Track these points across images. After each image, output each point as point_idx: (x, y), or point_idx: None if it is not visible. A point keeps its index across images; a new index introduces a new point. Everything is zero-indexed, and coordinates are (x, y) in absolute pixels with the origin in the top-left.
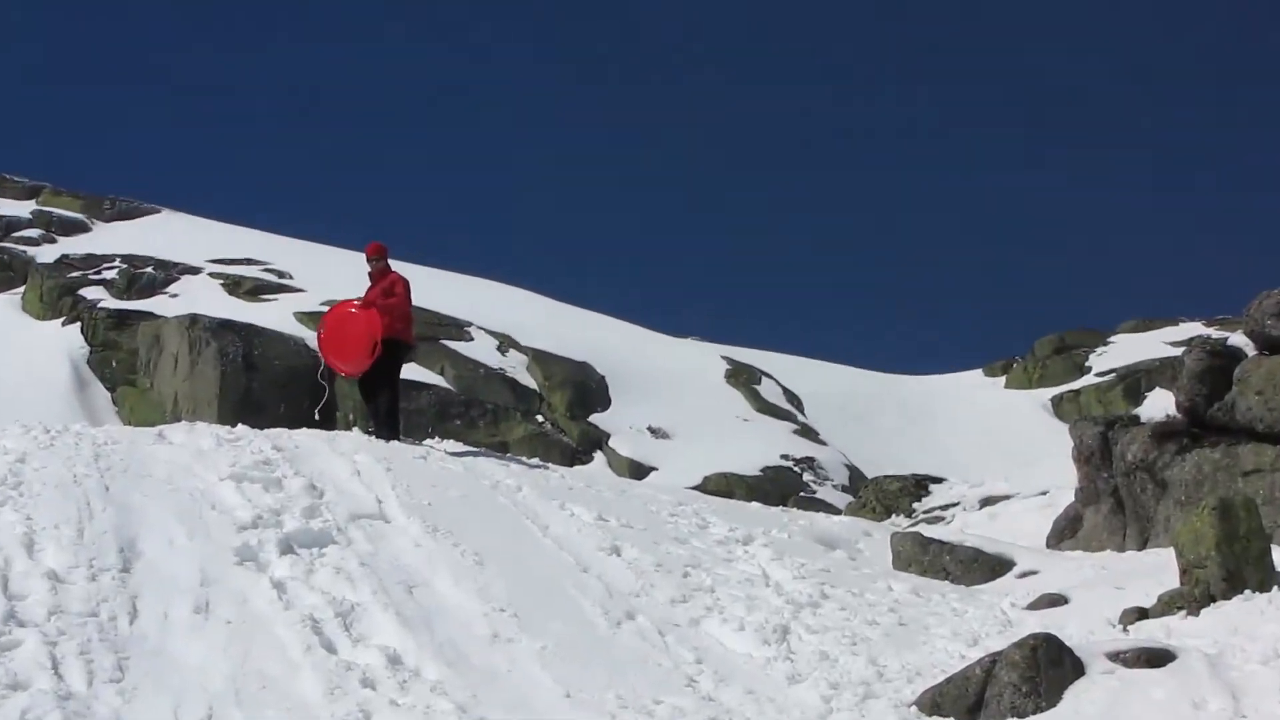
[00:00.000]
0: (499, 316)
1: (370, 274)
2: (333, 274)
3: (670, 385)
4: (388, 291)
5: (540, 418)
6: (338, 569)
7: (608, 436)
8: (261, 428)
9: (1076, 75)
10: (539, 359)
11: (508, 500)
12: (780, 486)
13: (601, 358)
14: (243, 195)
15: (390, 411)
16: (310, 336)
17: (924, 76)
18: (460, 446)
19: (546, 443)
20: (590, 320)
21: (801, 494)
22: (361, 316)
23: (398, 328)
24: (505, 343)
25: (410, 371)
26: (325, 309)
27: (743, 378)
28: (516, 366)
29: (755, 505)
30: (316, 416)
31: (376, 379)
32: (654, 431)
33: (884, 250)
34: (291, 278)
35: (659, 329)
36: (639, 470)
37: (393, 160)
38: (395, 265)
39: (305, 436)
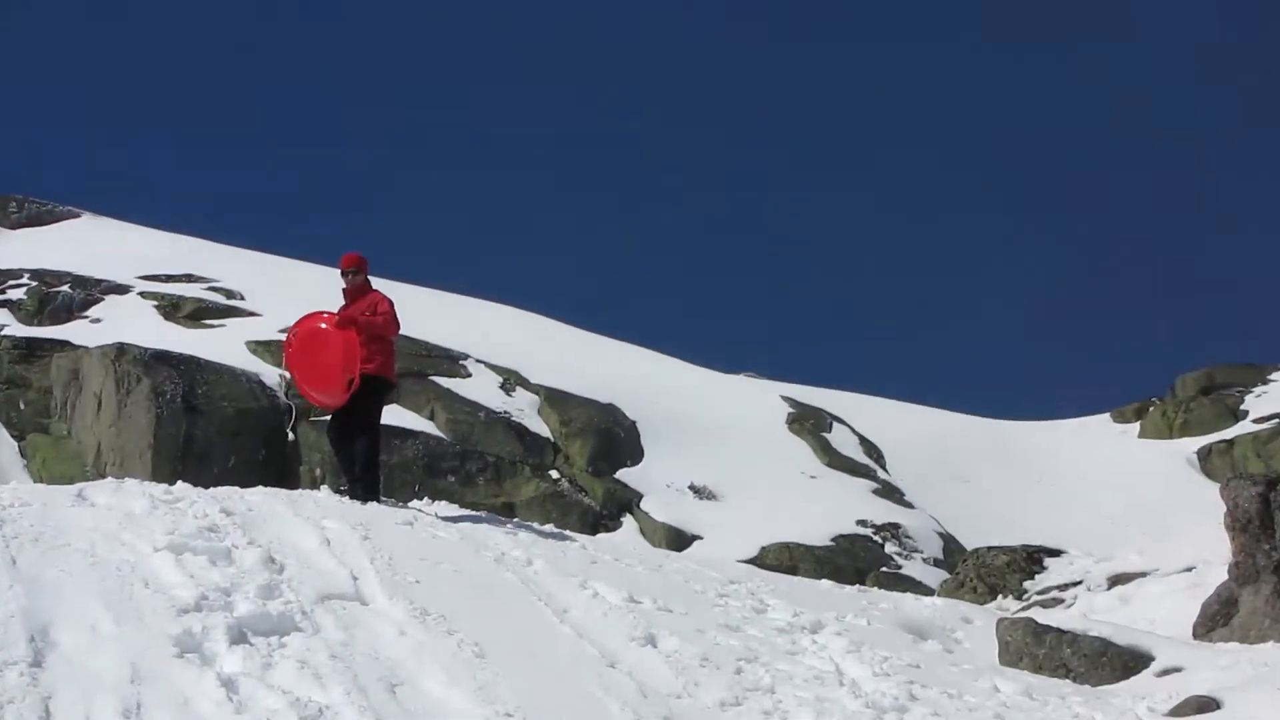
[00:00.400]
0: (503, 346)
1: (345, 291)
2: (295, 293)
3: (718, 433)
4: (371, 311)
5: (555, 473)
6: (302, 663)
7: (640, 497)
8: (206, 485)
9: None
10: (553, 400)
11: (515, 576)
12: (856, 560)
13: (632, 398)
14: (182, 196)
15: (368, 465)
16: (267, 371)
17: (1018, 71)
18: (455, 509)
19: (563, 504)
20: (617, 352)
21: (884, 569)
22: (338, 341)
23: (379, 360)
24: (511, 379)
25: (392, 415)
26: (286, 336)
27: (809, 424)
28: (525, 409)
29: (826, 584)
30: (290, 435)
31: (351, 424)
32: (698, 491)
33: (983, 267)
34: (243, 298)
35: (704, 363)
36: (679, 539)
37: (369, 156)
38: (377, 283)
39: (261, 497)
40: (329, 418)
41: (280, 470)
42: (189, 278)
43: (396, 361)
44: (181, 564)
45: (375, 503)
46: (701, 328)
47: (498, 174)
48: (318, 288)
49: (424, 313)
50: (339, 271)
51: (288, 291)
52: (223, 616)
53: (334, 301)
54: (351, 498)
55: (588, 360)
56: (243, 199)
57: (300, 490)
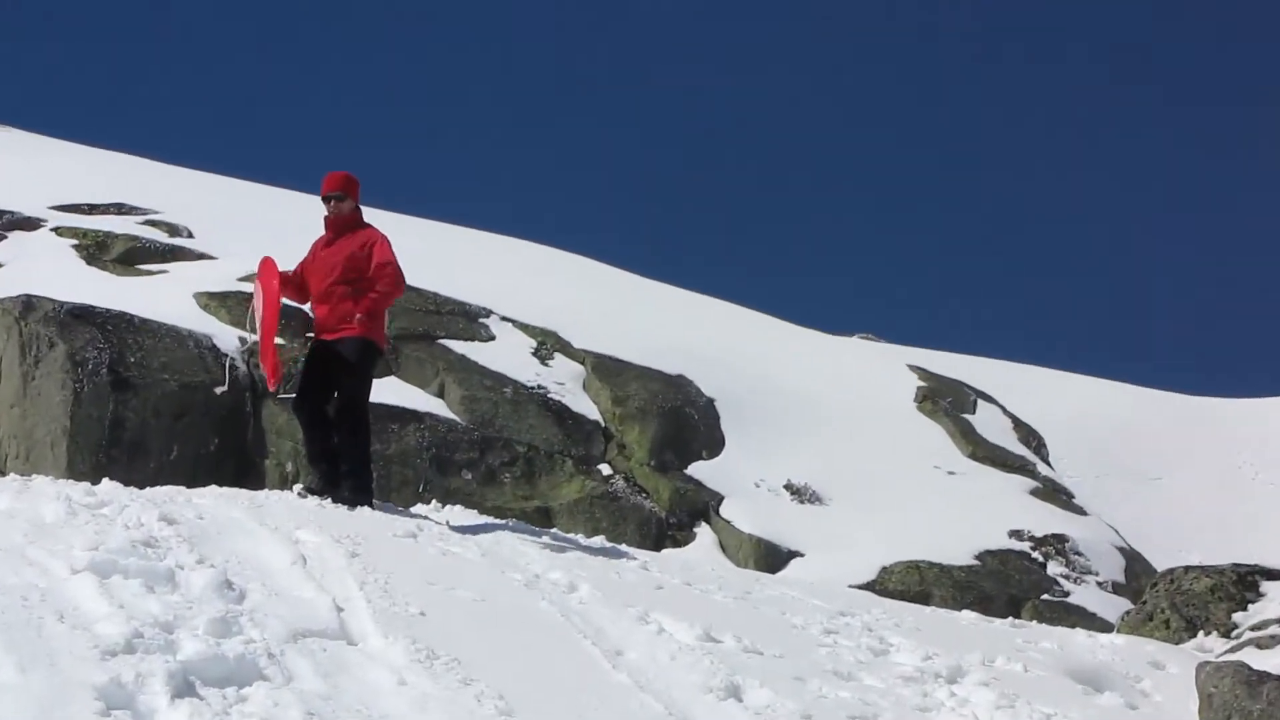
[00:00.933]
0: (538, 300)
1: (328, 222)
2: (259, 229)
3: (824, 414)
4: (365, 257)
5: (606, 468)
6: None
7: (719, 500)
8: (141, 484)
9: None
10: (604, 371)
11: (553, 606)
12: (1009, 584)
13: (708, 368)
14: (112, 105)
15: (356, 459)
16: (222, 332)
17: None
18: (473, 516)
19: (617, 510)
20: (688, 306)
21: (1045, 597)
22: (269, 312)
23: (369, 323)
24: (548, 343)
25: (388, 391)
26: (247, 286)
27: (946, 402)
28: (567, 383)
29: (969, 616)
30: (218, 390)
31: (330, 403)
32: (796, 492)
33: (1179, 204)
34: (191, 235)
35: (804, 321)
36: (773, 557)
37: (359, 49)
38: (368, 215)
39: (214, 500)
40: (294, 395)
41: (239, 465)
42: (119, 208)
43: (391, 320)
44: (108, 590)
45: (366, 508)
46: (801, 275)
47: (530, 74)
48: (289, 221)
49: (432, 255)
50: (320, 197)
51: (249, 226)
52: (162, 660)
53: (307, 237)
54: (334, 502)
55: (649, 317)
56: (189, 107)
57: (266, 491)
